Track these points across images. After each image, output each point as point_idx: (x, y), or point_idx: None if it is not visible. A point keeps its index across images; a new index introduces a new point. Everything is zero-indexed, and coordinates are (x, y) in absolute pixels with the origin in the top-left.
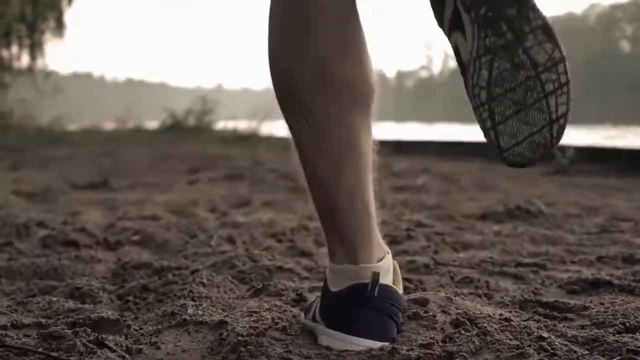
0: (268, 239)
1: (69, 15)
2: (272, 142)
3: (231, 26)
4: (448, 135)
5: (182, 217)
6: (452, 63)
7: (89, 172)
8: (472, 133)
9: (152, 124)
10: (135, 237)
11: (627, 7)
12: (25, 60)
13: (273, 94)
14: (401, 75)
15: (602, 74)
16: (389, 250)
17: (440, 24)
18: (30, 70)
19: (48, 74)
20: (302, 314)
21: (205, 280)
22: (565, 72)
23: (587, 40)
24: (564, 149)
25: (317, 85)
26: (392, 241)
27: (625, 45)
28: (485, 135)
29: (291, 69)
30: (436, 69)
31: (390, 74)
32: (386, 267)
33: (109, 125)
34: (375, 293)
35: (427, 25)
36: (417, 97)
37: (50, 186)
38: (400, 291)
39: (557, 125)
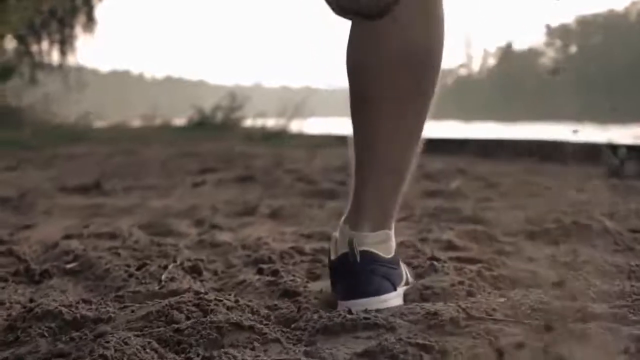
0: (246, 269)
1: (110, 11)
2: (301, 139)
3: (271, 23)
4: (487, 134)
5: (153, 233)
6: (492, 61)
7: (89, 173)
8: (513, 131)
9: (181, 121)
10: (72, 265)
11: None
12: (56, 56)
13: (310, 91)
14: (440, 73)
15: None
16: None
17: None
18: (60, 66)
19: (78, 70)
20: None
21: (111, 352)
22: None
23: (628, 37)
24: (615, 147)
25: None
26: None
27: None
28: None
29: None
30: (475, 66)
31: None
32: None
33: (136, 123)
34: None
35: (466, 22)
36: (456, 95)
37: (33, 189)
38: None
39: None
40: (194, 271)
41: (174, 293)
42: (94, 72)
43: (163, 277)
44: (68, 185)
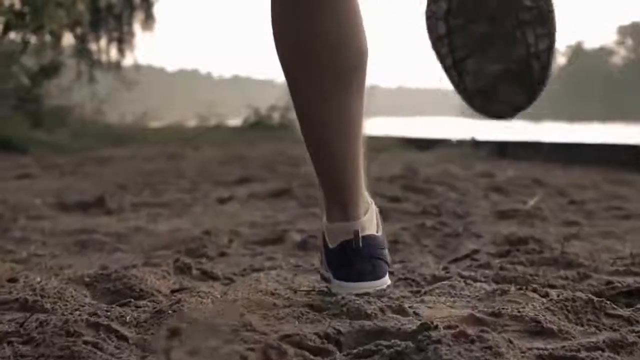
0: None
1: (177, 9)
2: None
3: None
4: (561, 136)
5: (104, 292)
6: (562, 60)
7: (107, 183)
8: (586, 132)
9: (237, 122)
10: None
11: None
12: (114, 54)
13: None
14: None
15: None
16: (372, 201)
17: None
18: (117, 64)
19: (135, 68)
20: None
21: None
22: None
23: None
24: None
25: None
26: None
27: None
28: (447, 75)
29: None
30: None
31: None
32: (370, 219)
33: (192, 123)
34: (360, 245)
35: None
36: None
37: (21, 206)
38: (380, 233)
39: (538, 62)
40: None
41: None
42: (161, 71)
43: None
44: (68, 201)
